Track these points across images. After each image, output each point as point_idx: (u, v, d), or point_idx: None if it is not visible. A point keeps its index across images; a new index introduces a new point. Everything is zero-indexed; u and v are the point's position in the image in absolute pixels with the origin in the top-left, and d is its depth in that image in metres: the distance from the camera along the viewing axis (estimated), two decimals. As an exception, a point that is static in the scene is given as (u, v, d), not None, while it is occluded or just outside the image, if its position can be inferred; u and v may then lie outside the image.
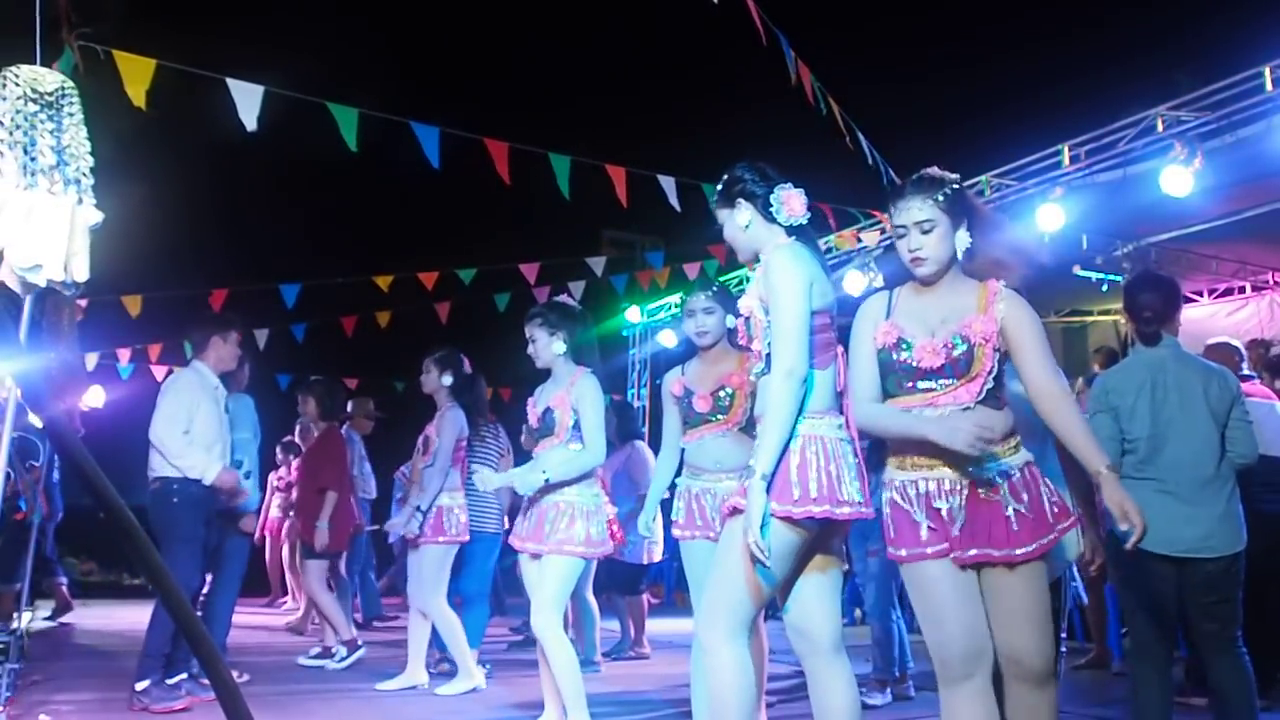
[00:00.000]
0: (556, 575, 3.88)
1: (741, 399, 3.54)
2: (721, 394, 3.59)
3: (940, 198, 2.57)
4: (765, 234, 2.83)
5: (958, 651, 2.49)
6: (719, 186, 2.93)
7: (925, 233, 2.57)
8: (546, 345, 4.03)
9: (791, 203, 2.80)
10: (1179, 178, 6.25)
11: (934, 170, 2.64)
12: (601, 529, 3.94)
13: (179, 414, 4.78)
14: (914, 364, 2.58)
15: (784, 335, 2.57)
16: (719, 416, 3.59)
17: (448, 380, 5.35)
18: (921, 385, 2.57)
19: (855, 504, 2.61)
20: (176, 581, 4.49)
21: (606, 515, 4.00)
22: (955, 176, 2.64)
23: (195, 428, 4.80)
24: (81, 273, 2.10)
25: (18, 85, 2.02)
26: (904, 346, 2.59)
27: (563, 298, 4.30)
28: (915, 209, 2.58)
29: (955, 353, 2.54)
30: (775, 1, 6.04)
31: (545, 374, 4.16)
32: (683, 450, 3.75)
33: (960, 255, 2.60)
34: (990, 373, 2.53)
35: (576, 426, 3.92)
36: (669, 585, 10.83)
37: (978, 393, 2.53)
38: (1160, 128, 6.44)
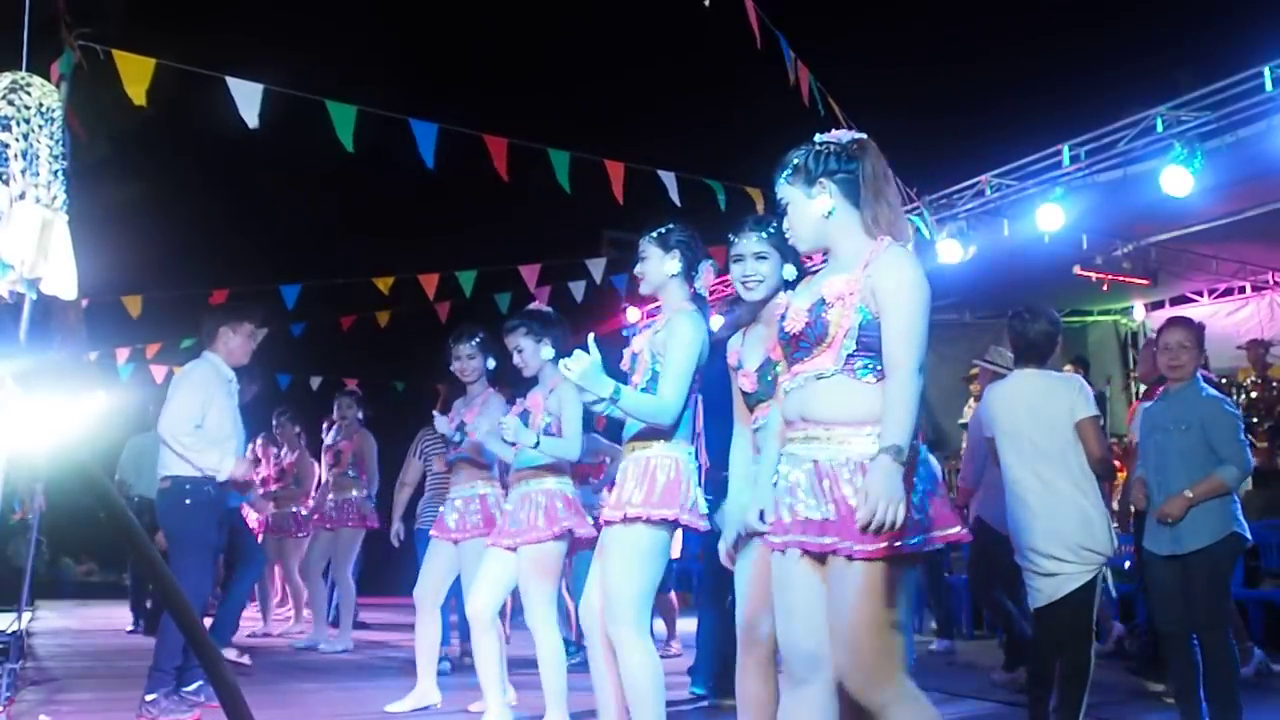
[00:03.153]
0: (531, 567, 3.96)
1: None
2: (767, 372, 3.17)
3: (790, 172, 2.46)
4: (677, 288, 3.33)
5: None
6: (661, 231, 3.34)
7: (785, 212, 2.51)
8: (534, 352, 4.12)
9: (707, 277, 3.37)
10: (1179, 178, 6.25)
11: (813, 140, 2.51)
12: (577, 513, 4.04)
13: (190, 407, 4.48)
14: (786, 331, 2.45)
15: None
16: (768, 396, 3.14)
17: (492, 364, 4.90)
18: (796, 355, 2.44)
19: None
20: (179, 583, 4.40)
21: (579, 504, 4.10)
22: (822, 140, 2.48)
23: (208, 423, 4.50)
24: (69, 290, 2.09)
25: (29, 95, 2.02)
26: (784, 315, 2.50)
27: (536, 305, 4.46)
28: (777, 192, 2.51)
29: (815, 314, 2.38)
30: (775, 1, 6.05)
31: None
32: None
33: (825, 215, 2.44)
34: (850, 334, 2.33)
35: (547, 431, 4.02)
36: (696, 587, 10.65)
37: (836, 358, 2.34)
38: (1160, 128, 6.43)
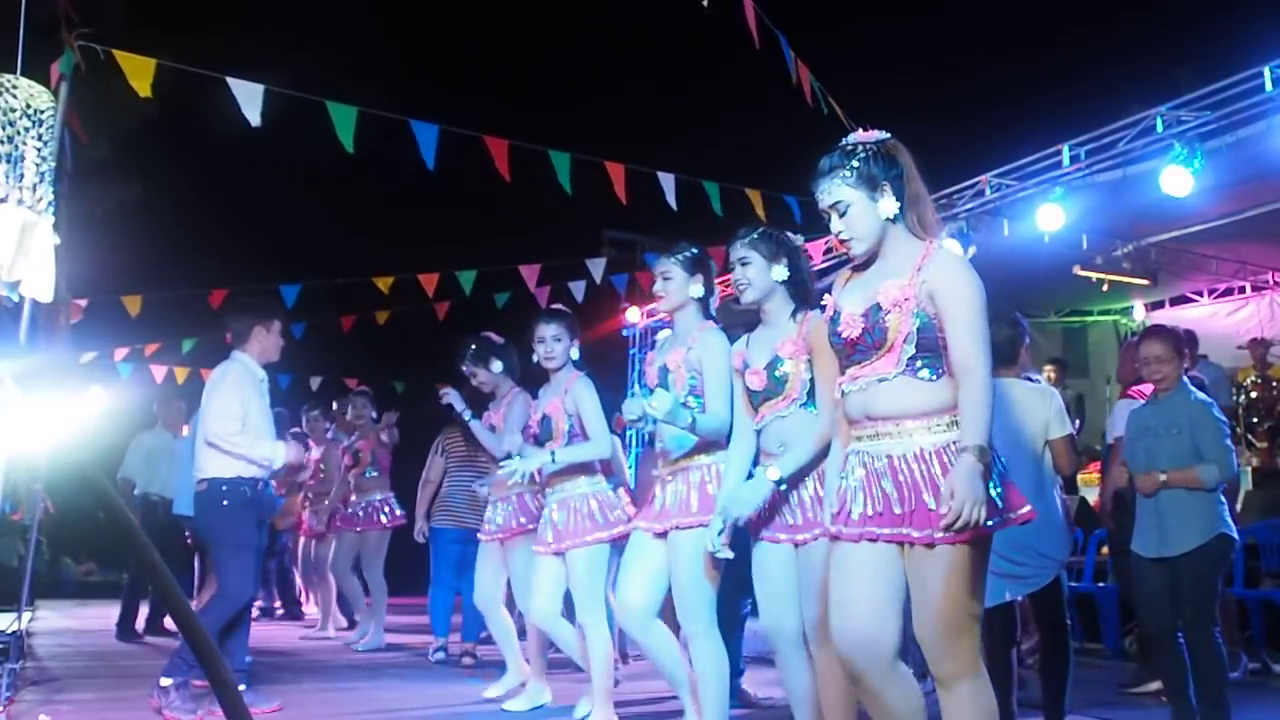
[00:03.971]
0: (585, 568, 4.07)
1: (799, 372, 3.10)
2: (775, 367, 3.15)
3: (849, 173, 2.45)
4: (697, 310, 3.55)
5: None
6: (687, 255, 3.54)
7: (842, 214, 2.48)
8: (564, 352, 4.28)
9: (717, 299, 3.66)
10: (1179, 178, 6.25)
11: (849, 141, 2.52)
12: (617, 512, 4.15)
13: (232, 408, 4.50)
14: (841, 336, 2.50)
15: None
16: (776, 394, 3.14)
17: (499, 367, 4.96)
18: (853, 358, 2.48)
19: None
20: (221, 585, 4.37)
21: (622, 500, 4.27)
22: (865, 142, 2.49)
23: (248, 423, 4.53)
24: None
25: (14, 97, 2.00)
26: (835, 319, 2.53)
27: (559, 307, 4.58)
28: (826, 193, 2.49)
29: (872, 320, 2.43)
30: (773, 1, 6.04)
31: (544, 373, 4.39)
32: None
33: (891, 218, 2.46)
34: (909, 339, 2.39)
35: (571, 431, 4.15)
36: None
37: (897, 362, 2.40)
38: (1160, 128, 6.43)
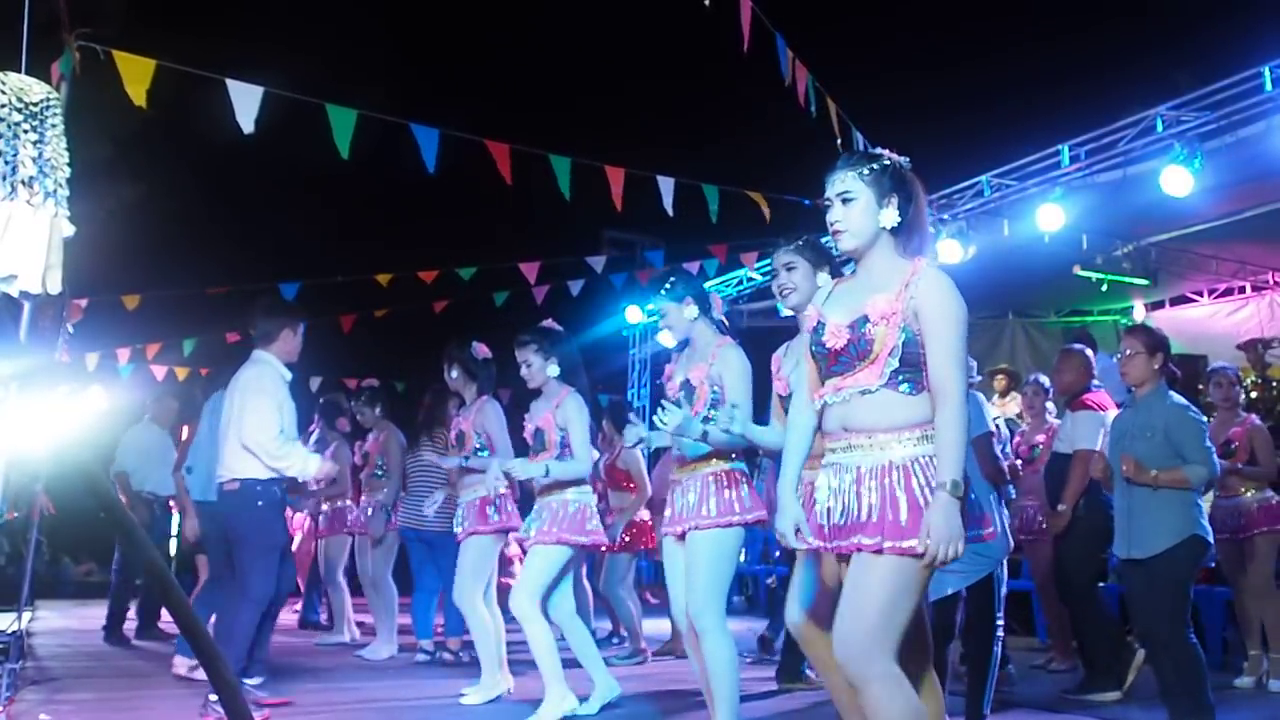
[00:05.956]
0: (541, 563, 4.32)
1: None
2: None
3: (866, 171, 2.53)
4: (704, 327, 3.73)
5: None
6: (669, 285, 3.74)
7: (845, 202, 2.54)
8: (541, 369, 4.45)
9: (718, 305, 3.80)
10: (1179, 178, 6.26)
11: (876, 149, 2.64)
12: (593, 522, 4.41)
13: (271, 414, 4.44)
14: (825, 346, 2.55)
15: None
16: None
17: (457, 374, 5.14)
18: (834, 369, 2.53)
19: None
20: (248, 587, 4.40)
21: (595, 512, 4.48)
22: (890, 155, 2.59)
23: (285, 431, 4.48)
24: (55, 285, 2.06)
25: (3, 93, 1.99)
26: (820, 329, 2.58)
27: (548, 322, 4.63)
28: (838, 180, 2.56)
29: (858, 331, 2.48)
30: (772, 2, 6.04)
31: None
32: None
33: (887, 228, 2.53)
34: (894, 352, 2.44)
35: (563, 442, 4.38)
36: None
37: (880, 375, 2.45)
38: (1160, 128, 6.44)
